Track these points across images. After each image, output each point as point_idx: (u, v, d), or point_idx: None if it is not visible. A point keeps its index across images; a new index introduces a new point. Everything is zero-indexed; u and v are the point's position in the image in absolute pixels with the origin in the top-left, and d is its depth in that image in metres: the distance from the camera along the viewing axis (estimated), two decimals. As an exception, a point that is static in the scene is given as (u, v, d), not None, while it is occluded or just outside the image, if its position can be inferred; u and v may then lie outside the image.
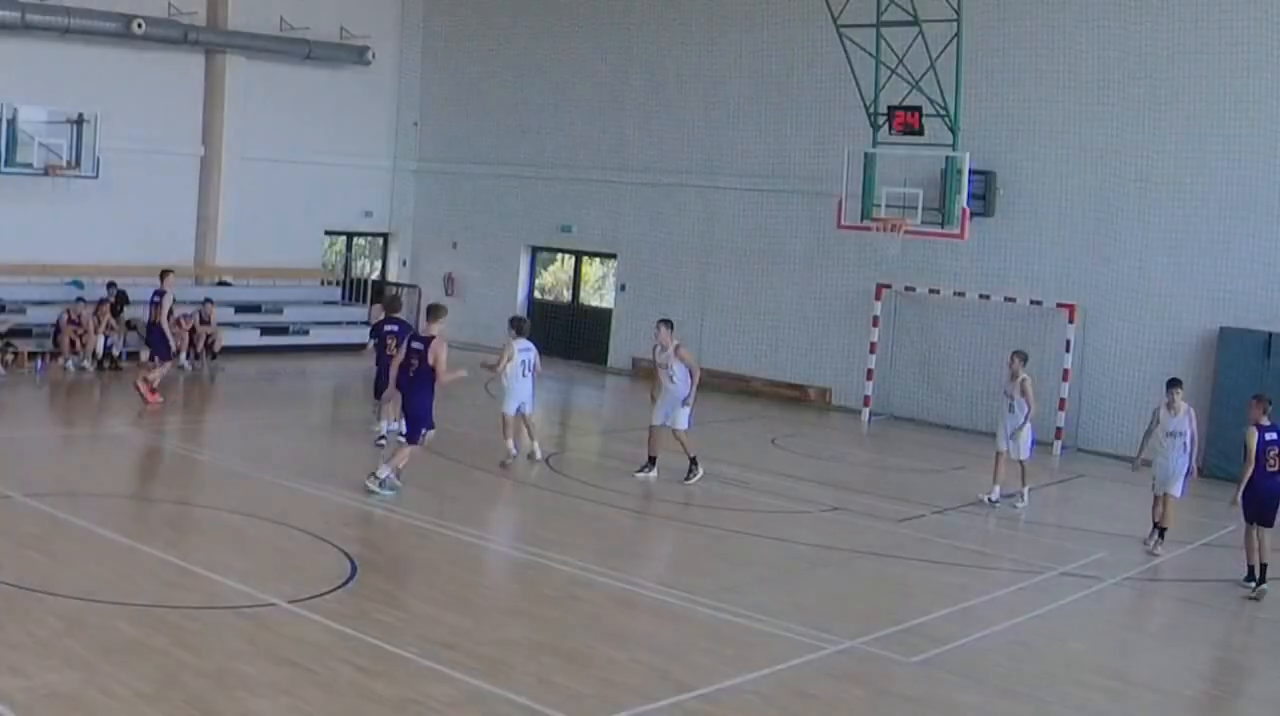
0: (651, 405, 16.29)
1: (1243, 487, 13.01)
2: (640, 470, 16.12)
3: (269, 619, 9.81)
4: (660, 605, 11.09)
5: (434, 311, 14.28)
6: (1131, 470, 15.45)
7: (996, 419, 16.66)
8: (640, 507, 14.59)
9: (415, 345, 14.12)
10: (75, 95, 23.24)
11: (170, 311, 19.34)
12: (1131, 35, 20.40)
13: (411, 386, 14.08)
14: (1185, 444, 14.49)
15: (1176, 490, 14.44)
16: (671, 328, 16.30)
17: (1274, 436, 13.07)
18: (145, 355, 20.16)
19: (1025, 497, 16.26)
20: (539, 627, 10.36)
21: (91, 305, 22.29)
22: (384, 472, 14.12)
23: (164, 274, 19.53)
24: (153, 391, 18.61)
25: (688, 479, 15.95)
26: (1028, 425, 16.21)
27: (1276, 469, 13.02)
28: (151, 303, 19.16)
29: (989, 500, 16.14)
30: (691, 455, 16.04)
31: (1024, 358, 16.38)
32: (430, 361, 13.80)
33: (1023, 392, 16.12)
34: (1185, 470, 14.49)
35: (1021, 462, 16.28)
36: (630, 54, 26.63)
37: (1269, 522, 13.08)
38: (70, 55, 23.73)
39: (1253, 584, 12.97)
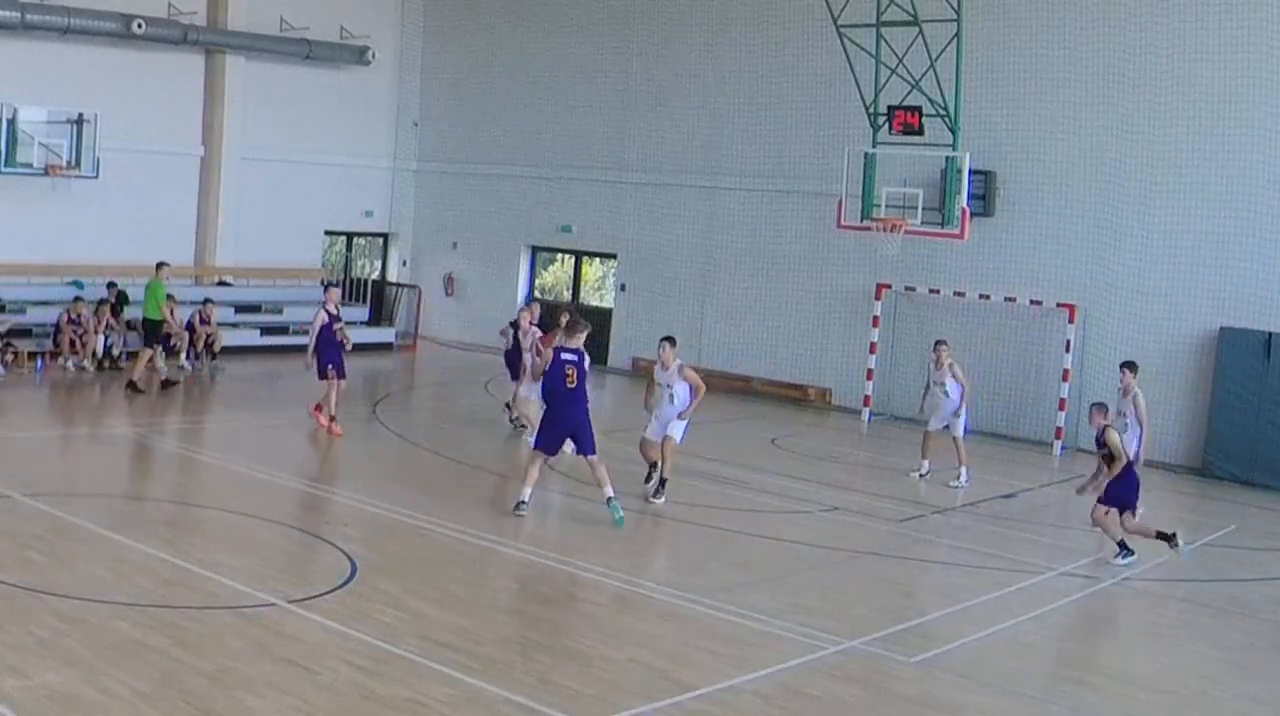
0: (648, 417, 15.22)
1: (1110, 481, 13.59)
2: (654, 491, 15.03)
3: (268, 619, 9.81)
4: (660, 605, 11.08)
5: (576, 327, 14.25)
6: None
7: (930, 407, 17.63)
8: (640, 507, 14.57)
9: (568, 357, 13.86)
10: (75, 95, 23.27)
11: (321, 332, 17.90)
12: (1132, 35, 20.41)
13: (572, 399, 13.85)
14: (1126, 423, 15.32)
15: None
16: (674, 345, 15.22)
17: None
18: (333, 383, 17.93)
19: (964, 477, 17.13)
20: (539, 627, 10.37)
21: (91, 305, 22.29)
22: (609, 492, 13.82)
23: (328, 285, 18.54)
24: (332, 418, 17.78)
25: (654, 497, 14.90)
26: (963, 403, 17.29)
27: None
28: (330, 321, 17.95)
29: (919, 475, 17.40)
30: (665, 475, 14.97)
31: (946, 346, 17.69)
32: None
33: (954, 376, 17.21)
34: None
35: (957, 439, 17.25)
36: (630, 54, 26.62)
37: (1134, 506, 13.93)
38: (70, 55, 23.75)
39: (1131, 557, 13.56)
